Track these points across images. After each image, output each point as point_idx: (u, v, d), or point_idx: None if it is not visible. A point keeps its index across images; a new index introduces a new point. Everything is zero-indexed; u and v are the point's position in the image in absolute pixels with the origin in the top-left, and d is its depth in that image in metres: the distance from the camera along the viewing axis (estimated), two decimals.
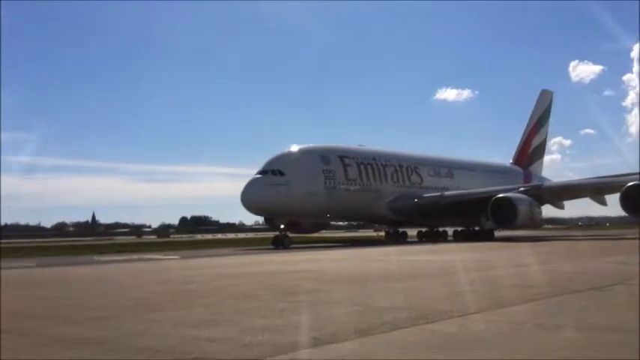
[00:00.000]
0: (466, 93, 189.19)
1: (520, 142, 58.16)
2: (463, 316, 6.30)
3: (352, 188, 36.61)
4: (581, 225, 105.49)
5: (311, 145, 36.92)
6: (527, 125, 58.56)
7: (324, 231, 55.57)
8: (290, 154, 35.24)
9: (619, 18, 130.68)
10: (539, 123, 58.86)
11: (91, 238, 72.70)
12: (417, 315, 6.39)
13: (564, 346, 4.89)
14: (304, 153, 35.62)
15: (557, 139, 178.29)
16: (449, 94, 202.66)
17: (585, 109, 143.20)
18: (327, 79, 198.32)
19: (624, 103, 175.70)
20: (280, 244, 32.22)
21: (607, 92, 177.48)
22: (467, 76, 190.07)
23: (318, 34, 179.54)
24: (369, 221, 40.72)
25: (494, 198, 36.68)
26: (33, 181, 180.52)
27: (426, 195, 40.53)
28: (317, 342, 5.13)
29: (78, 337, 5.70)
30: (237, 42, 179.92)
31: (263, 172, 33.62)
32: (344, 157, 37.01)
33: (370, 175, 38.09)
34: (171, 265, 19.66)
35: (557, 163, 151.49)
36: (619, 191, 34.62)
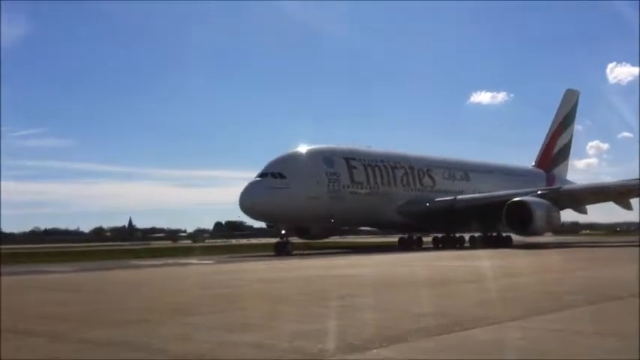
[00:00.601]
0: (501, 96, 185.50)
1: (543, 143, 55.74)
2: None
3: (358, 191, 34.95)
4: (619, 231, 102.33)
5: (315, 146, 35.36)
6: (552, 126, 56.12)
7: (352, 236, 54.85)
8: (292, 156, 33.74)
9: None
10: (564, 123, 56.37)
11: (128, 243, 73.45)
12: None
13: None
14: (307, 155, 34.09)
15: (595, 142, 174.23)
16: (483, 97, 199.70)
17: (623, 112, 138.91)
18: (359, 83, 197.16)
19: None
20: (282, 250, 30.85)
21: None
22: (502, 79, 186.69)
23: (346, 36, 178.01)
24: (377, 226, 39.00)
25: (509, 202, 34.71)
26: (73, 186, 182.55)
27: (438, 199, 38.66)
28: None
29: (115, 341, 5.68)
30: (271, 46, 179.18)
31: (263, 174, 32.19)
32: (350, 159, 35.37)
33: (378, 177, 36.38)
34: None
35: (594, 167, 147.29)
36: None
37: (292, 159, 33.46)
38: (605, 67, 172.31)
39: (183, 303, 8.84)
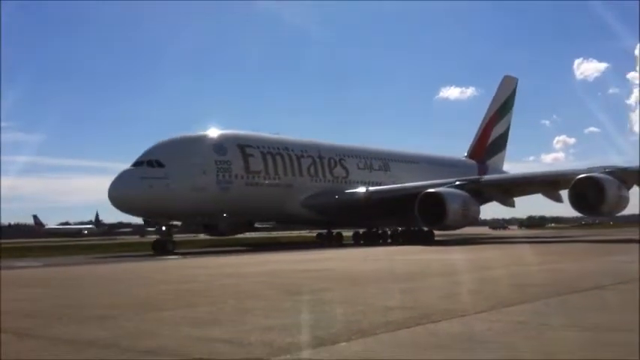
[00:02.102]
0: (469, 91, 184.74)
1: (477, 133, 52.64)
2: None
3: (255, 182, 31.05)
4: (584, 224, 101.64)
5: (204, 132, 31.35)
6: (486, 114, 53.05)
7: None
8: (174, 142, 29.62)
9: (623, 16, 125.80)
10: (500, 112, 53.35)
11: (96, 238, 72.16)
12: None
13: None
14: (192, 141, 30.02)
15: (562, 137, 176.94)
16: (452, 92, 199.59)
17: (589, 107, 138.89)
18: (335, 83, 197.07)
19: (628, 101, 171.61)
20: (162, 248, 26.89)
21: (611, 90, 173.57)
22: (470, 74, 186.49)
23: (319, 34, 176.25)
24: (279, 221, 35.19)
25: (422, 194, 31.30)
26: (34, 181, 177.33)
27: (348, 191, 35.03)
28: None
29: (81, 338, 5.30)
30: (249, 45, 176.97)
31: (138, 162, 28.06)
32: (245, 145, 31.40)
33: (280, 167, 32.51)
34: None
35: (561, 162, 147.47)
36: None
37: (174, 145, 29.35)
38: (572, 63, 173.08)
39: None
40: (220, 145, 30.18)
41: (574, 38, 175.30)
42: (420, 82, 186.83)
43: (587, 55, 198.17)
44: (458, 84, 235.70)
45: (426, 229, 35.38)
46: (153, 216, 28.56)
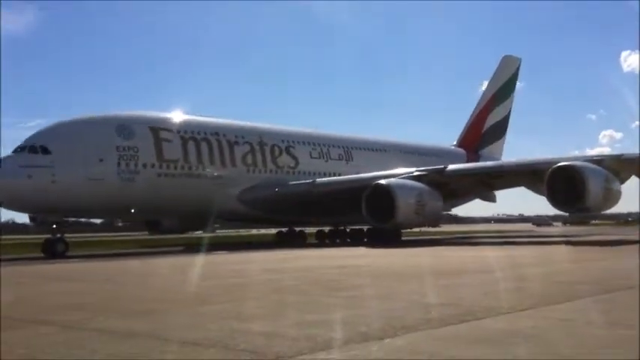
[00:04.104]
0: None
1: (469, 119, 47.01)
2: None
3: (171, 173, 26.36)
4: (631, 221, 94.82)
5: (108, 112, 26.76)
6: (482, 98, 47.37)
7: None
8: (65, 125, 24.92)
9: None
10: (499, 96, 47.56)
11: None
12: None
13: None
14: (89, 122, 25.33)
15: (608, 131, 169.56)
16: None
17: (637, 100, 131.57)
18: (370, 77, 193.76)
19: None
20: (50, 250, 22.51)
21: None
22: None
23: (356, 30, 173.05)
24: (208, 217, 30.40)
25: (370, 187, 26.31)
26: None
27: (292, 183, 30.08)
28: None
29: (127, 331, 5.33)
30: (280, 39, 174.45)
31: (20, 148, 23.61)
32: (160, 128, 26.71)
33: (205, 155, 27.75)
34: None
35: None
36: None
37: (66, 128, 24.70)
38: (618, 56, 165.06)
39: None
40: (127, 128, 25.49)
41: (620, 30, 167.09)
42: (460, 77, 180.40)
43: (634, 47, 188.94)
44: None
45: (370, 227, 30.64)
46: (36, 211, 24.05)
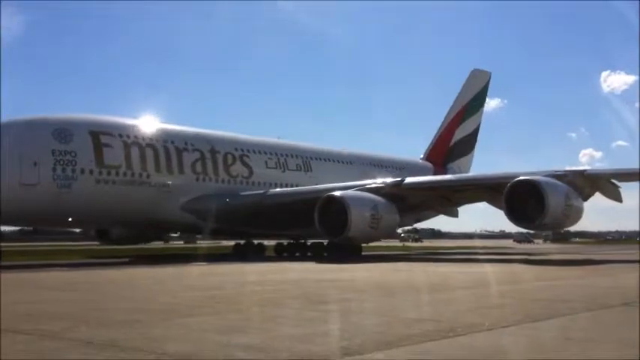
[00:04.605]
0: (495, 102, 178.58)
1: (437, 132, 46.03)
2: None
3: (110, 180, 24.84)
4: (610, 239, 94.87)
5: (49, 115, 25.24)
6: (450, 111, 46.40)
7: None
8: (1, 126, 23.46)
9: None
10: (468, 110, 46.59)
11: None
12: None
13: None
14: (25, 125, 23.80)
15: (588, 150, 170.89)
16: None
17: (617, 120, 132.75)
18: (359, 84, 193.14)
19: None
20: None
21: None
22: (497, 85, 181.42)
23: (345, 37, 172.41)
24: (151, 227, 28.93)
25: (321, 199, 25.05)
26: None
27: (244, 193, 28.69)
28: None
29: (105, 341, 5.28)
30: (271, 47, 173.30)
31: None
32: (102, 133, 25.21)
33: (150, 162, 26.26)
34: None
35: None
36: None
37: (0, 129, 23.18)
38: (599, 76, 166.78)
39: None
40: (65, 131, 23.94)
41: (601, 50, 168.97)
42: (443, 86, 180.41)
43: (614, 68, 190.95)
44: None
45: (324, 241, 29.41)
46: None
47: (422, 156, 44.67)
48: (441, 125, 46.00)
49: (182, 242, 55.83)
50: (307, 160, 33.16)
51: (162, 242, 40.23)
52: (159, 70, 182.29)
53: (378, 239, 28.22)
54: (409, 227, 53.04)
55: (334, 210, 24.74)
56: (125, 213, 25.92)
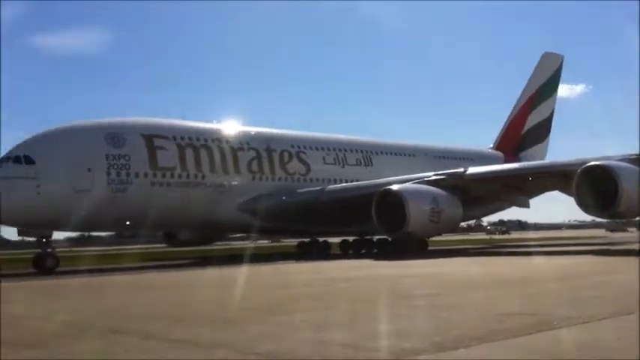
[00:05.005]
0: (579, 88, 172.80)
1: (507, 119, 43.90)
2: None
3: (165, 182, 24.75)
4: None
5: (102, 119, 25.39)
6: (520, 97, 44.19)
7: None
8: (52, 133, 23.57)
9: None
10: (540, 95, 44.28)
11: None
12: None
13: None
14: (77, 131, 23.94)
15: None
16: (561, 89, 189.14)
17: None
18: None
19: None
20: (40, 265, 21.25)
21: None
22: (577, 70, 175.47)
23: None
24: (207, 228, 28.64)
25: (378, 192, 24.09)
26: None
27: (301, 191, 28.04)
28: None
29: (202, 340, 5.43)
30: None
31: (4, 159, 22.39)
32: (155, 136, 25.15)
33: (205, 162, 26.04)
34: None
35: None
36: None
37: (52, 136, 23.37)
38: None
39: None
40: (117, 136, 24.00)
41: None
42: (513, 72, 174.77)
43: None
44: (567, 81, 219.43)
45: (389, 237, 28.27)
46: (22, 225, 22.74)
47: (491, 145, 42.69)
48: (512, 112, 43.90)
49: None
50: (368, 155, 32.19)
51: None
52: (236, 71, 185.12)
53: (439, 234, 26.96)
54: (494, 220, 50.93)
55: (392, 204, 23.73)
56: (181, 215, 25.81)
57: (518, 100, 44.08)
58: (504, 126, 43.57)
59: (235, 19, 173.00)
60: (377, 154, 32.67)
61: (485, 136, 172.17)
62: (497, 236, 66.62)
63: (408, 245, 26.69)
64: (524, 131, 43.38)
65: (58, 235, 27.18)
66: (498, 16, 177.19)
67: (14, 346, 5.46)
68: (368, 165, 31.80)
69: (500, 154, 40.70)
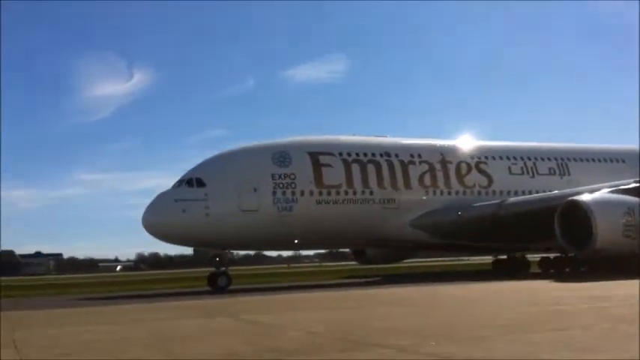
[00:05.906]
0: None
1: None
2: None
3: (332, 199, 24.29)
4: None
5: (267, 140, 25.77)
6: None
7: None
8: (222, 156, 24.55)
9: None
10: None
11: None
12: None
13: None
14: (244, 153, 24.59)
15: None
16: None
17: None
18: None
19: None
20: (215, 284, 22.42)
21: None
22: None
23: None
24: (374, 245, 27.20)
25: (562, 205, 21.17)
26: None
27: (477, 204, 25.68)
28: None
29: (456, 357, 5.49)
30: None
31: (178, 183, 23.81)
32: (320, 153, 24.88)
33: (372, 177, 25.13)
34: None
35: None
36: None
37: (221, 159, 24.33)
38: None
39: None
40: (284, 155, 24.22)
41: None
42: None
43: None
44: None
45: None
46: (194, 245, 24.04)
47: None
48: None
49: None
50: (564, 162, 28.70)
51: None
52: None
53: (637, 251, 22.85)
54: None
55: (579, 217, 20.63)
56: (349, 232, 25.20)
57: None
58: None
59: None
60: (575, 161, 28.99)
61: None
62: None
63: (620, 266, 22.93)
64: None
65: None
66: None
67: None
68: (564, 174, 28.32)
69: None
